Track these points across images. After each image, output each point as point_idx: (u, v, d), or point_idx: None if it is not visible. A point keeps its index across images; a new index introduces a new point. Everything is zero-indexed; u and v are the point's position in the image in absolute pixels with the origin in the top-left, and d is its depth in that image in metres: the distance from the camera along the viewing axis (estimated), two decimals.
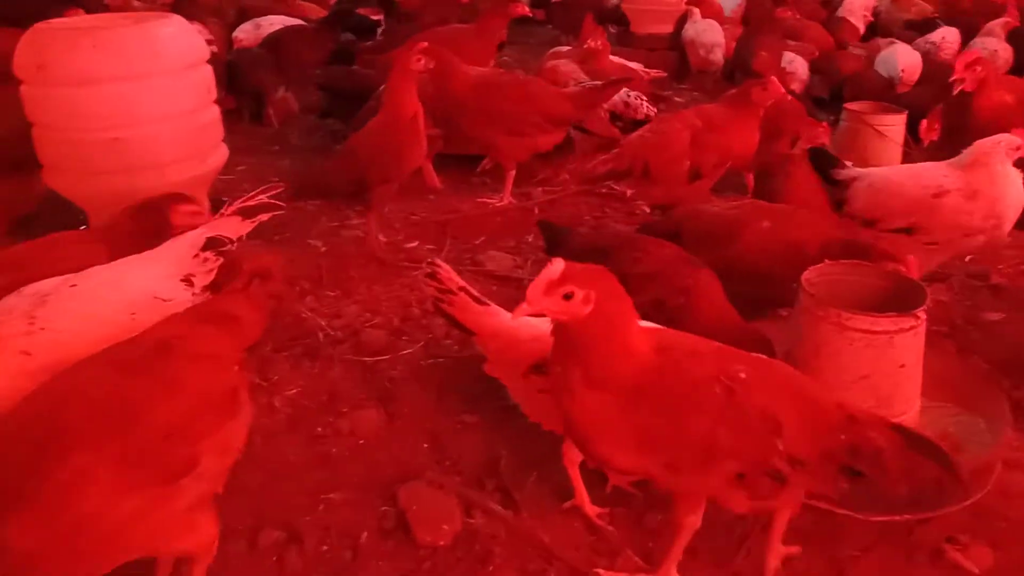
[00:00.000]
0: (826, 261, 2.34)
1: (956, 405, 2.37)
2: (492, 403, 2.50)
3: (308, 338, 2.89)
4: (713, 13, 7.06)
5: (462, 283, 2.27)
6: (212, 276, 2.11)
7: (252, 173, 4.55)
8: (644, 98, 4.02)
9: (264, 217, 2.26)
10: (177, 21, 2.91)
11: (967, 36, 6.12)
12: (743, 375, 1.64)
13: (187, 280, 2.08)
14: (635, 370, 1.59)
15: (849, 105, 4.46)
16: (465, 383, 2.63)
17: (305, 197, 3.67)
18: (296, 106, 5.57)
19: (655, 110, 4.02)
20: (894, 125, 4.32)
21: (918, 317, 2.11)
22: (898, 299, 2.22)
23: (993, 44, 5.69)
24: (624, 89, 4.08)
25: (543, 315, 1.58)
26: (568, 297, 1.53)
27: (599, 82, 4.14)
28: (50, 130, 2.88)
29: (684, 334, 1.76)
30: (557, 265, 1.55)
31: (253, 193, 2.35)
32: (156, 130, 2.87)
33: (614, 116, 4.05)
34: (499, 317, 2.19)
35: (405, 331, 2.95)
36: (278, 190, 2.38)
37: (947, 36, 6.13)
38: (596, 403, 1.57)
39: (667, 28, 6.87)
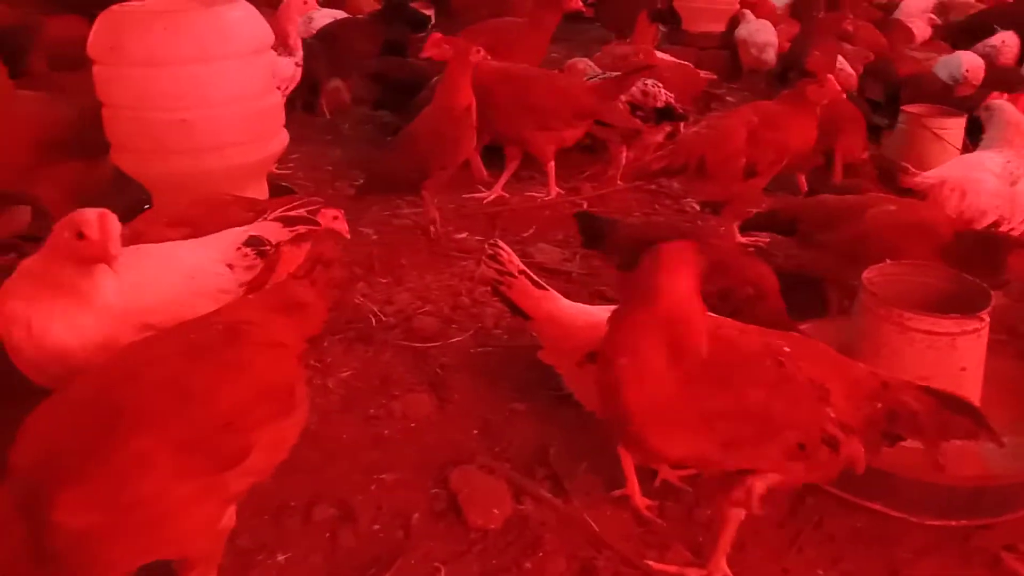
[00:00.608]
0: (888, 261, 2.32)
1: (1016, 411, 2.33)
2: (543, 392, 2.51)
3: (361, 323, 2.93)
4: (766, 13, 6.98)
5: (522, 266, 2.28)
6: (250, 272, 2.19)
7: (306, 161, 4.62)
8: (661, 85, 3.97)
9: (302, 230, 2.31)
10: (245, 6, 2.97)
11: None
12: (787, 348, 1.69)
13: (230, 266, 2.17)
14: (696, 349, 1.61)
15: (907, 108, 4.38)
16: (516, 372, 2.65)
17: (371, 193, 3.74)
18: (348, 97, 5.64)
19: (673, 96, 3.97)
20: (953, 128, 4.23)
21: (982, 319, 2.08)
22: (960, 301, 2.18)
23: None
24: (642, 79, 4.05)
25: None
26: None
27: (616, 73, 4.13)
28: (120, 110, 2.95)
29: (721, 317, 1.76)
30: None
31: (295, 204, 2.42)
32: (222, 112, 2.92)
33: (634, 107, 4.01)
34: (558, 303, 2.20)
35: (455, 319, 2.98)
36: (317, 207, 2.44)
37: (1007, 40, 5.99)
38: (656, 383, 1.57)
39: (720, 27, 6.81)
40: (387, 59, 5.22)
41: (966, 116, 4.28)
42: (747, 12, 6.54)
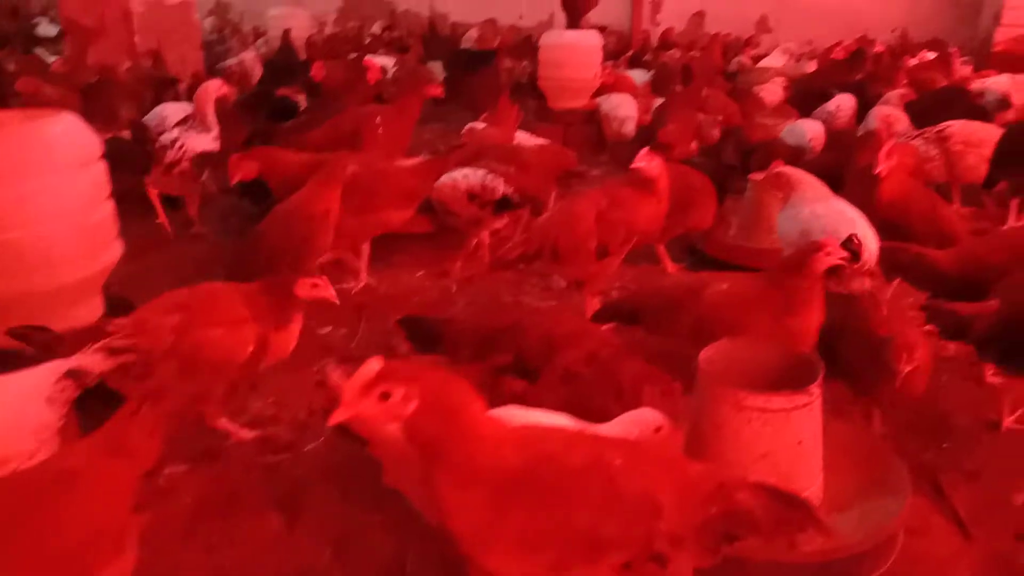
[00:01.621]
0: (725, 338, 2.38)
1: (859, 476, 2.40)
2: (398, 500, 2.43)
3: (210, 438, 2.79)
4: (627, 88, 7.33)
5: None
6: (66, 406, 2.10)
7: (163, 263, 4.46)
8: (501, 179, 4.10)
9: (129, 358, 2.22)
10: (69, 118, 2.85)
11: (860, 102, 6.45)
12: (619, 461, 1.60)
13: (49, 400, 2.06)
14: (502, 464, 1.52)
15: (754, 176, 4.62)
16: (371, 478, 2.55)
17: None
18: (213, 188, 5.51)
19: (512, 190, 4.09)
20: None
21: (811, 393, 2.14)
22: (794, 375, 2.25)
23: (888, 110, 5.98)
24: (482, 171, 4.15)
25: (363, 419, 1.50)
26: (386, 397, 1.45)
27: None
28: None
29: (552, 426, 1.73)
30: (372, 364, 1.47)
31: (117, 336, 2.33)
32: (49, 229, 2.77)
33: (473, 196, 4.10)
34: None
35: (311, 424, 2.87)
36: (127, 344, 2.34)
37: (841, 104, 6.44)
38: (469, 505, 1.50)
39: (582, 102, 7.09)
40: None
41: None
42: (608, 87, 6.85)
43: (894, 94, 6.32)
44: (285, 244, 3.35)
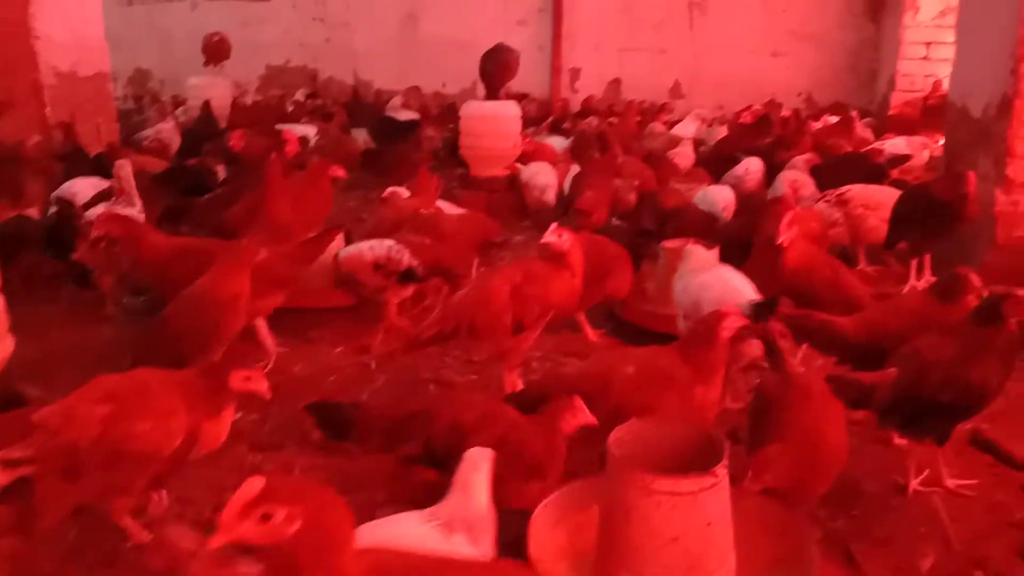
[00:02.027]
0: (633, 419, 2.39)
1: (772, 549, 2.41)
2: None
3: (107, 541, 2.64)
4: (546, 155, 7.48)
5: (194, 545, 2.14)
6: None
7: (72, 348, 4.28)
8: (407, 251, 4.16)
9: (26, 471, 2.12)
10: None
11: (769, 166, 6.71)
12: None
13: None
14: None
15: (666, 243, 4.73)
16: None
17: None
18: (127, 266, 5.35)
19: (417, 262, 4.17)
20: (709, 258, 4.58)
21: (717, 474, 2.16)
22: (703, 453, 2.27)
23: (794, 175, 6.23)
24: (389, 241, 4.22)
25: (242, 541, 1.41)
26: (267, 518, 1.39)
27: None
28: None
29: (399, 552, 1.63)
30: (254, 483, 1.41)
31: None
32: None
33: (377, 266, 4.13)
34: None
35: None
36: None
37: (750, 168, 6.68)
38: None
39: (503, 171, 7.19)
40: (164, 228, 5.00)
41: (718, 247, 4.68)
42: (528, 156, 6.98)
43: (800, 159, 6.59)
44: (194, 329, 3.26)
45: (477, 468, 2.18)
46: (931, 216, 4.72)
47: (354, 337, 4.43)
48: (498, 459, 2.29)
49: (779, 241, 3.65)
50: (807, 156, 6.67)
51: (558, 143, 8.04)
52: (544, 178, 6.63)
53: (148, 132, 8.39)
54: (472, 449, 2.23)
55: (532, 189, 6.64)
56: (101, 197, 5.11)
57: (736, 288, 3.57)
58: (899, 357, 2.79)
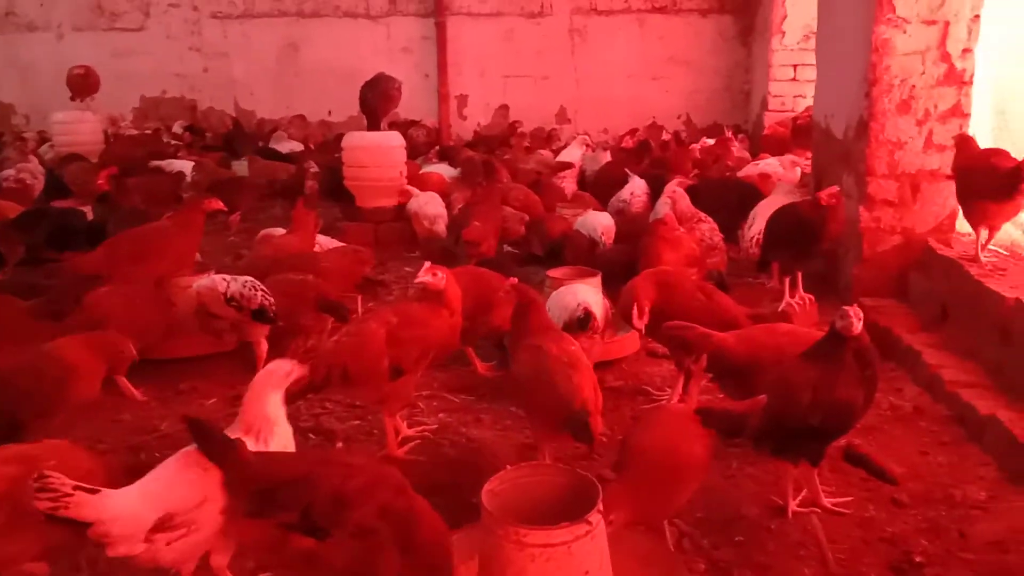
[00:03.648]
0: (507, 466, 2.33)
1: None
2: None
3: None
4: (434, 184, 7.41)
5: (75, 482, 2.15)
6: None
7: None
8: (260, 288, 4.13)
9: None
10: None
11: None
12: None
13: None
14: None
15: (551, 272, 4.74)
16: None
17: None
18: None
19: (271, 300, 4.12)
20: (592, 285, 4.60)
21: (590, 522, 2.12)
22: (578, 497, 2.23)
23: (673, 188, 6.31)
24: (245, 278, 4.18)
25: None
26: None
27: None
28: None
29: None
30: None
31: None
32: None
33: (229, 300, 4.07)
34: (115, 497, 2.20)
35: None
36: None
37: (635, 191, 6.78)
38: None
39: (392, 201, 7.07)
40: (10, 286, 4.61)
41: (600, 274, 4.72)
42: (413, 189, 6.87)
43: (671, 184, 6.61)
44: (34, 389, 3.01)
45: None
46: (800, 234, 4.87)
47: (228, 385, 4.22)
48: (378, 531, 2.20)
49: (638, 327, 3.75)
50: (677, 180, 6.73)
51: (448, 171, 7.98)
52: (433, 207, 6.55)
53: (7, 172, 7.85)
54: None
55: (422, 219, 6.54)
56: None
57: (575, 293, 4.01)
58: (767, 383, 2.83)
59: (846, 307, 2.79)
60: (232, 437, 2.44)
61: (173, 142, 10.38)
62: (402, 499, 2.35)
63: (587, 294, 4.07)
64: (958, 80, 4.89)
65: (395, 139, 7.12)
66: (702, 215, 5.83)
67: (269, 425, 2.57)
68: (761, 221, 5.50)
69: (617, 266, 5.00)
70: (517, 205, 6.77)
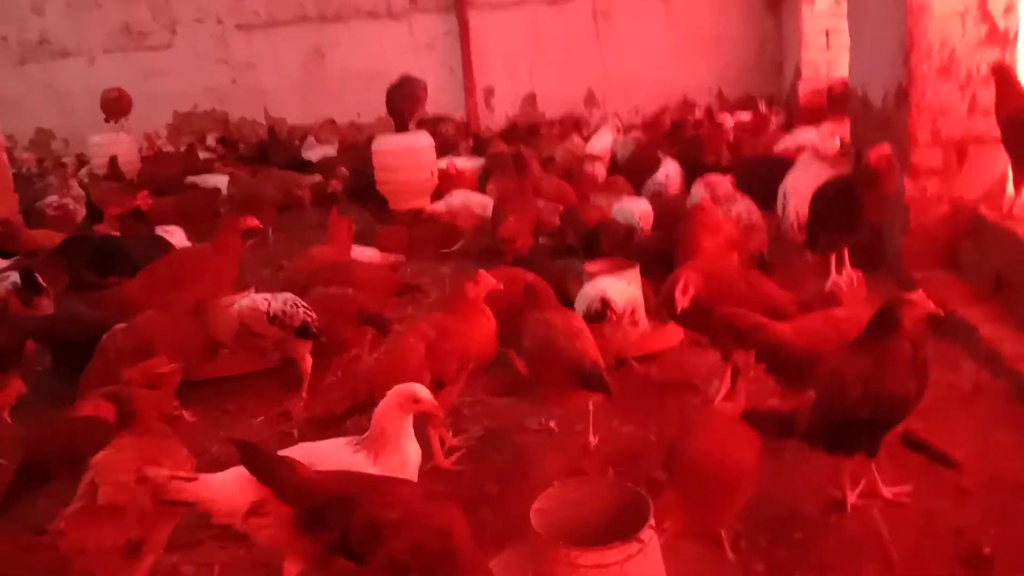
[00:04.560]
0: (555, 482, 2.29)
1: None
2: None
3: None
4: (468, 181, 7.37)
5: (170, 473, 2.39)
6: None
7: None
8: (302, 304, 4.13)
9: None
10: None
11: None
12: None
13: None
14: None
15: (588, 266, 4.66)
16: None
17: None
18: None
19: (313, 316, 4.11)
20: (631, 279, 4.52)
21: (643, 540, 2.07)
22: (628, 513, 2.19)
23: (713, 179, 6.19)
24: (286, 295, 4.20)
25: None
26: None
27: None
28: None
29: None
30: None
31: None
32: None
33: (271, 318, 4.08)
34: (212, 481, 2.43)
35: None
36: None
37: (670, 173, 6.69)
38: None
39: (424, 202, 7.05)
40: (54, 316, 4.69)
41: (638, 265, 4.62)
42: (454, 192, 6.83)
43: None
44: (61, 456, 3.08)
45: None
46: (848, 206, 4.66)
47: (274, 403, 4.25)
48: (411, 568, 2.19)
49: (679, 309, 3.63)
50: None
51: (473, 165, 7.94)
52: (477, 197, 6.59)
53: (51, 199, 8.00)
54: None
55: (473, 209, 6.53)
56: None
57: (601, 286, 4.03)
58: (815, 379, 2.75)
59: (910, 294, 2.69)
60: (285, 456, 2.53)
61: (207, 156, 10.50)
62: (439, 539, 2.28)
63: (611, 285, 4.09)
64: (1001, 40, 4.67)
65: (424, 140, 7.11)
66: (737, 195, 5.70)
67: (384, 443, 2.65)
68: (794, 198, 5.35)
69: (655, 255, 4.93)
70: (550, 196, 6.72)
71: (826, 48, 9.17)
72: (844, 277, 4.81)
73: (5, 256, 5.81)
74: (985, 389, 3.64)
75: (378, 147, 7.13)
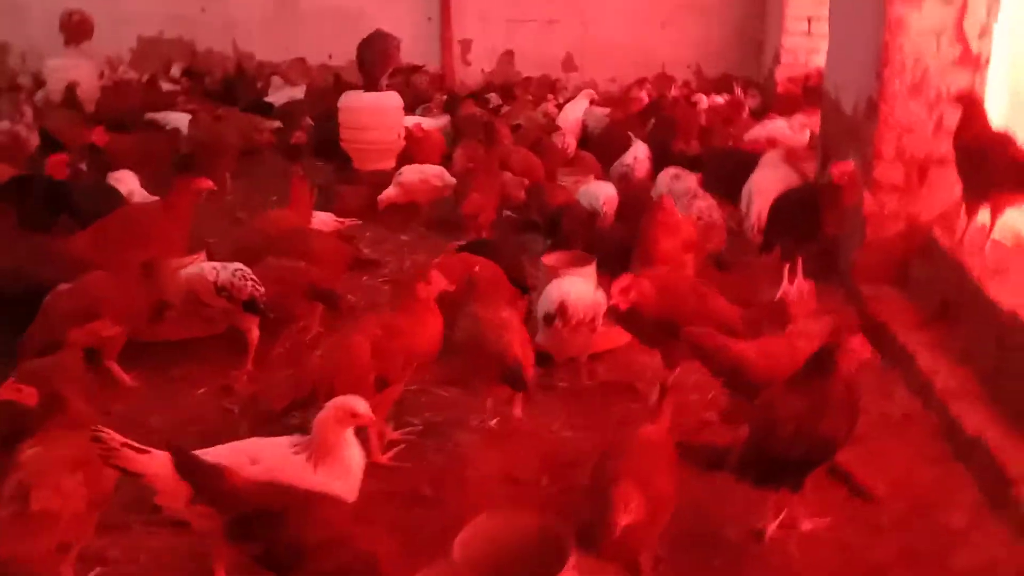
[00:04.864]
0: (480, 516, 2.33)
1: None
2: None
3: None
4: (434, 144, 7.26)
5: (123, 440, 2.43)
6: None
7: None
8: (250, 277, 4.05)
9: None
10: None
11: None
12: None
13: None
14: None
15: (545, 259, 4.67)
16: None
17: None
18: None
19: (262, 290, 4.04)
20: (587, 274, 4.52)
21: None
22: (550, 551, 2.23)
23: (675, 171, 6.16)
24: (236, 265, 4.11)
25: None
26: None
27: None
28: None
29: None
30: None
31: None
32: None
33: (219, 290, 4.00)
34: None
35: None
36: None
37: (638, 155, 6.64)
38: None
39: (389, 164, 6.93)
40: None
41: (595, 260, 4.63)
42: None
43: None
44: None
45: None
46: (807, 218, 4.72)
47: (218, 374, 4.21)
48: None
49: (622, 309, 3.65)
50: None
51: (435, 124, 7.82)
52: (434, 168, 6.52)
53: (2, 124, 7.70)
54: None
55: (432, 181, 6.44)
56: None
57: (559, 286, 4.13)
58: (749, 414, 2.81)
59: (851, 337, 2.75)
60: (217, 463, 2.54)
61: (170, 88, 10.15)
62: (364, 562, 2.31)
63: (575, 289, 4.13)
64: (973, 63, 4.68)
65: (394, 100, 6.94)
66: (699, 192, 5.71)
67: (325, 453, 2.67)
68: (758, 199, 5.36)
69: (615, 245, 4.93)
70: (518, 170, 6.65)
71: (807, 34, 9.09)
72: (795, 288, 4.88)
73: None
74: (915, 420, 3.74)
75: (345, 103, 6.94)
